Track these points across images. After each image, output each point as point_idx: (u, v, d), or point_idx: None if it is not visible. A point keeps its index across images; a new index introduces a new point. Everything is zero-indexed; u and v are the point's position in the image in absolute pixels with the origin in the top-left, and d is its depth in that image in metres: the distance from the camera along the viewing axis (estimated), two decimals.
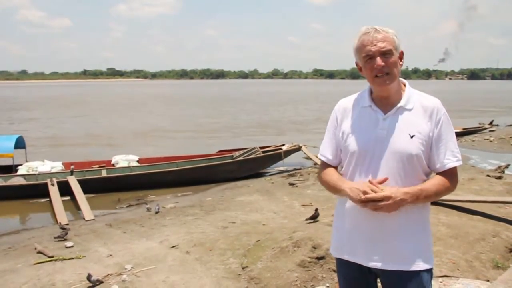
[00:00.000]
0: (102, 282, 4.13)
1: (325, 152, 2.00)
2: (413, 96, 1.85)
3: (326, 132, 2.02)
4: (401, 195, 1.72)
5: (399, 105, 1.83)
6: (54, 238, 5.79)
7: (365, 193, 1.73)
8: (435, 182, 1.81)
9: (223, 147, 12.25)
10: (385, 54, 1.77)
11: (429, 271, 1.87)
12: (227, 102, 42.97)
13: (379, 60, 1.76)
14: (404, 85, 1.89)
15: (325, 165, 2.02)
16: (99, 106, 36.75)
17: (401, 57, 1.83)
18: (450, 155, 1.82)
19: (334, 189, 1.91)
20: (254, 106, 36.25)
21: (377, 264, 1.84)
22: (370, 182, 1.76)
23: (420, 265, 1.82)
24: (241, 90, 76.96)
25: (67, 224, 6.71)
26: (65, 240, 5.70)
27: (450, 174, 1.83)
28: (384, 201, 1.70)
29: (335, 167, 2.01)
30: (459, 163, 1.84)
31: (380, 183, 1.76)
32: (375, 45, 1.76)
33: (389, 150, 1.79)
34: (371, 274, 1.91)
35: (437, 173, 1.85)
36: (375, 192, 1.72)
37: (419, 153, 1.78)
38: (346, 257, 1.93)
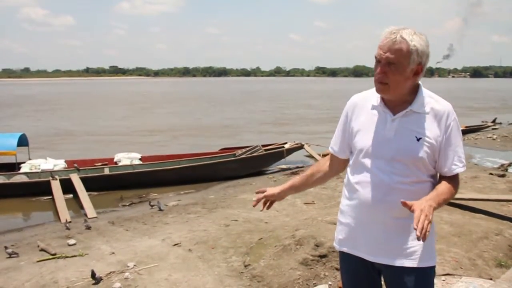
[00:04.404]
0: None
1: (333, 145, 2.07)
2: (425, 99, 1.83)
3: (337, 126, 2.04)
4: (425, 202, 1.67)
5: (409, 108, 1.81)
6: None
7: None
8: (446, 187, 1.81)
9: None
10: (390, 64, 1.73)
11: (432, 268, 1.89)
12: (194, 100, 41.13)
13: (379, 68, 1.76)
14: (417, 87, 1.85)
15: (331, 156, 2.10)
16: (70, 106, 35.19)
17: (418, 72, 1.77)
18: (457, 161, 1.83)
19: None
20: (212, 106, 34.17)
21: (381, 259, 1.85)
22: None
23: (424, 262, 1.83)
24: (227, 88, 75.61)
25: (70, 222, 6.72)
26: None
27: (455, 179, 1.86)
28: (422, 215, 1.62)
29: (344, 160, 2.05)
30: (464, 168, 1.86)
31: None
32: (385, 52, 1.73)
33: (395, 151, 1.80)
34: (374, 269, 1.93)
35: (442, 176, 1.86)
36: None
37: (424, 156, 1.78)
38: (349, 250, 1.95)
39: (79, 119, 25.02)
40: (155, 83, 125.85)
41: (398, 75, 1.74)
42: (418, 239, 1.58)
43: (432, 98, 1.84)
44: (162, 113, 28.68)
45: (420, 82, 1.86)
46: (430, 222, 1.62)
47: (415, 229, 1.59)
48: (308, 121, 22.97)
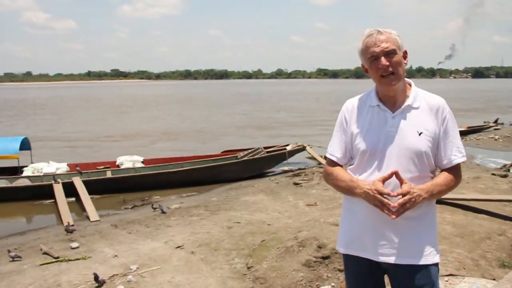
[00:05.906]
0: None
1: (335, 152, 2.01)
2: (419, 95, 1.92)
3: (334, 132, 2.04)
4: (417, 190, 1.78)
5: (406, 103, 1.89)
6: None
7: (380, 200, 1.77)
8: (444, 177, 1.88)
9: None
10: (389, 54, 1.82)
11: (437, 265, 1.92)
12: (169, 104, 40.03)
13: (383, 60, 1.82)
14: (410, 85, 1.95)
15: (333, 164, 2.02)
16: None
17: (405, 56, 1.89)
18: (456, 151, 1.89)
19: (347, 191, 1.92)
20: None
21: (388, 259, 1.87)
22: (383, 180, 1.81)
23: (429, 259, 1.87)
24: (225, 91, 74.59)
25: (72, 225, 6.73)
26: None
27: (456, 170, 1.92)
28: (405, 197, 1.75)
29: (342, 166, 2.03)
30: (464, 158, 1.92)
31: (389, 177, 1.80)
32: (378, 45, 1.83)
33: (399, 147, 1.85)
34: (380, 269, 1.94)
35: (443, 169, 1.91)
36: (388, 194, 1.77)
37: (427, 150, 1.85)
38: (356, 253, 1.95)
39: (50, 124, 24.02)
40: (155, 86, 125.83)
41: (398, 60, 1.84)
42: (392, 209, 1.73)
43: (425, 94, 1.93)
44: (146, 116, 28.31)
45: (411, 81, 1.96)
46: (409, 206, 1.74)
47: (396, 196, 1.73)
48: (292, 123, 22.71)
